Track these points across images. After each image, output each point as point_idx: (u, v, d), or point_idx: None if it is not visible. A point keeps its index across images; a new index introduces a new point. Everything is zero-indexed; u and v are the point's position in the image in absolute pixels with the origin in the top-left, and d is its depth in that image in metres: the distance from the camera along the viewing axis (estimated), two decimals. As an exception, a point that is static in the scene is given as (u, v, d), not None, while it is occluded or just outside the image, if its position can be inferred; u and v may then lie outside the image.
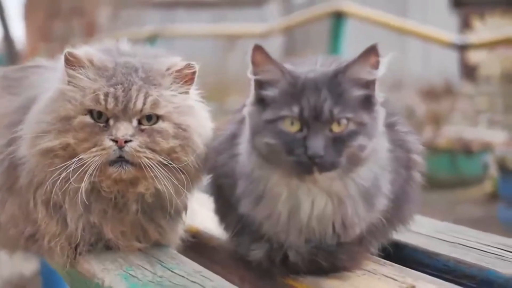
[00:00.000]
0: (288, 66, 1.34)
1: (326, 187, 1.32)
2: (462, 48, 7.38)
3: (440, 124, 7.00)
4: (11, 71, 1.87)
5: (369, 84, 1.31)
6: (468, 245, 1.58)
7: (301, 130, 1.27)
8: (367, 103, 1.31)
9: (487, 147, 6.36)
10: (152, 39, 7.78)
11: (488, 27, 11.50)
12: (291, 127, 1.27)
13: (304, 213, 1.35)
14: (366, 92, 1.31)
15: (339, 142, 1.26)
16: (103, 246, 1.56)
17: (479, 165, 6.19)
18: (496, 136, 6.71)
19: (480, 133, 6.96)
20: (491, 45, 6.39)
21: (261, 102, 1.33)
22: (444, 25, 9.26)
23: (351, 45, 5.93)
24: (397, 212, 1.47)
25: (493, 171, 5.85)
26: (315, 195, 1.33)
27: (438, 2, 13.43)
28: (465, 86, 10.63)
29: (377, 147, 1.33)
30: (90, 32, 14.09)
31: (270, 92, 1.32)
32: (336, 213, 1.35)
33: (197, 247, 1.71)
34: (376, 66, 1.30)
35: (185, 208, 1.64)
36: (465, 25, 12.53)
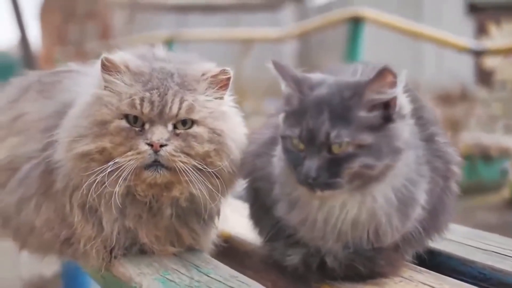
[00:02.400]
0: (306, 79, 1.35)
1: (341, 202, 1.32)
2: (478, 54, 7.37)
3: (457, 130, 6.97)
4: (45, 75, 1.89)
5: (388, 103, 1.28)
6: (502, 252, 1.57)
7: (303, 150, 1.29)
8: (384, 120, 1.28)
9: (505, 153, 6.33)
10: (167, 43, 7.81)
11: (504, 33, 11.46)
12: (297, 146, 1.30)
13: (337, 220, 1.34)
14: (382, 112, 1.28)
15: (336, 163, 1.25)
16: (137, 250, 1.57)
17: (498, 171, 6.16)
18: (515, 142, 6.67)
19: (498, 139, 6.92)
20: (507, 52, 6.35)
21: (283, 114, 1.37)
22: (459, 31, 9.24)
23: (367, 50, 5.96)
24: (433, 221, 1.47)
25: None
26: (347, 203, 1.33)
27: (454, 8, 13.41)
28: (480, 92, 10.58)
29: (397, 162, 1.29)
30: (105, 35, 14.16)
31: (287, 108, 1.35)
32: (369, 221, 1.35)
33: (229, 252, 1.71)
34: (393, 85, 1.26)
35: (218, 213, 1.65)
36: (481, 31, 12.49)
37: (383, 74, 1.25)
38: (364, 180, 1.28)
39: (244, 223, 1.75)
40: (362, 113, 1.27)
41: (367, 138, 1.26)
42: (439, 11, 13.05)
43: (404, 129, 1.31)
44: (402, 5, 12.38)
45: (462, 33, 8.90)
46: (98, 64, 1.59)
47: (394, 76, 1.25)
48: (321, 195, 1.28)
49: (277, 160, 1.40)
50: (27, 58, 11.99)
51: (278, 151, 1.40)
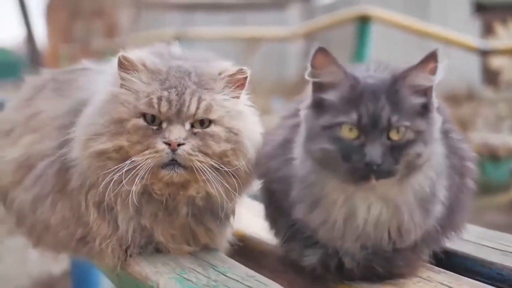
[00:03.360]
0: (349, 69, 1.33)
1: (382, 194, 1.32)
2: (485, 54, 7.34)
3: (464, 130, 6.94)
4: (60, 73, 1.88)
5: (426, 91, 1.30)
6: (520, 253, 1.56)
7: (358, 137, 1.26)
8: (424, 110, 1.30)
9: (514, 154, 6.29)
10: (173, 41, 7.80)
11: (511, 33, 11.42)
12: (349, 134, 1.26)
13: (360, 219, 1.34)
14: (424, 98, 1.30)
15: (396, 150, 1.25)
16: (153, 249, 1.57)
17: (506, 172, 6.13)
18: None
19: (506, 139, 6.89)
20: (515, 52, 6.34)
21: (317, 106, 1.32)
22: (465, 30, 9.22)
23: (374, 50, 5.96)
24: (450, 220, 1.47)
25: (520, 177, 5.79)
26: (371, 201, 1.33)
27: (460, 7, 13.38)
28: (486, 92, 10.55)
29: (432, 153, 1.32)
30: (110, 33, 14.18)
31: (330, 96, 1.30)
32: (392, 219, 1.34)
33: (244, 251, 1.71)
34: (434, 72, 1.29)
35: (233, 212, 1.64)
36: (487, 31, 12.45)
37: (431, 58, 1.27)
38: (409, 170, 1.28)
39: (258, 223, 1.75)
40: (412, 99, 1.28)
41: (421, 124, 1.27)
42: (446, 11, 13.02)
43: (438, 121, 1.32)
44: (408, 4, 12.36)
45: (469, 33, 8.88)
46: (113, 62, 1.59)
47: (437, 63, 1.27)
48: (375, 185, 1.26)
49: (301, 160, 1.38)
50: (33, 55, 12.04)
51: (299, 152, 1.38)
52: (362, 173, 1.25)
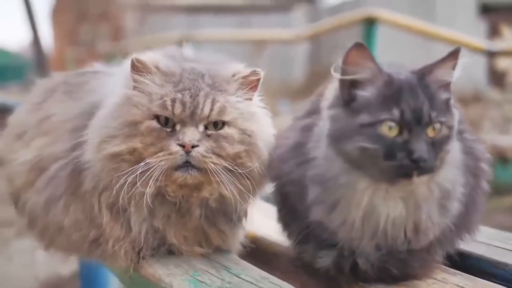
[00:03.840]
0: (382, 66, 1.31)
1: (410, 192, 1.31)
2: (492, 55, 7.32)
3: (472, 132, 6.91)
4: (71, 76, 1.89)
5: (448, 86, 1.31)
6: (533, 255, 1.55)
7: (400, 133, 1.25)
8: (448, 106, 1.31)
9: (522, 155, 6.26)
10: (179, 44, 7.81)
11: (517, 34, 11.40)
12: (390, 131, 1.25)
13: (381, 218, 1.33)
14: (447, 94, 1.31)
15: (435, 146, 1.26)
16: (165, 251, 1.57)
17: (514, 173, 6.10)
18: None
19: (515, 141, 6.86)
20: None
21: (348, 104, 1.30)
22: (471, 32, 9.21)
23: (380, 51, 5.95)
24: (464, 221, 1.46)
25: (529, 179, 5.76)
26: (392, 200, 1.32)
27: (466, 9, 13.36)
28: (493, 93, 10.53)
29: (452, 148, 1.33)
30: (117, 36, 14.21)
31: (366, 93, 1.29)
32: (409, 217, 1.34)
33: (256, 253, 1.70)
34: (454, 68, 1.30)
35: (246, 214, 1.64)
36: (493, 32, 12.44)
37: (454, 54, 1.29)
38: (441, 166, 1.29)
39: (269, 224, 1.75)
40: (440, 94, 1.29)
41: (451, 119, 1.28)
42: (452, 12, 13.01)
43: (457, 116, 1.33)
44: (414, 6, 12.35)
45: (475, 34, 8.87)
46: (124, 65, 1.59)
47: (458, 59, 1.29)
48: (415, 181, 1.26)
49: (327, 162, 1.34)
50: (39, 58, 12.07)
51: (321, 153, 1.36)
52: (406, 170, 1.24)
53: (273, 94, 8.76)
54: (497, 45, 7.11)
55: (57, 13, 18.05)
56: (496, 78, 11.72)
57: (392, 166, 1.24)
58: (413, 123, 1.24)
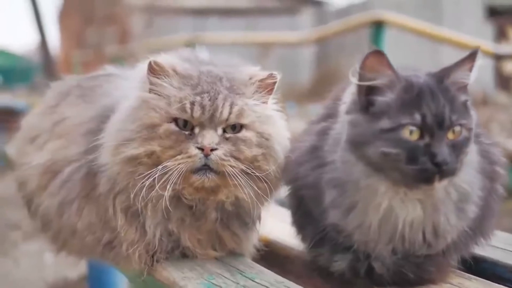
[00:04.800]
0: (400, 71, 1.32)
1: (429, 195, 1.31)
2: (499, 58, 7.31)
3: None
4: (84, 79, 1.89)
5: (465, 88, 1.31)
6: (548, 259, 1.54)
7: (421, 137, 1.25)
8: (467, 108, 1.31)
9: (530, 159, 6.24)
10: (190, 47, 7.81)
11: (524, 37, 11.38)
12: (411, 135, 1.25)
13: (399, 221, 1.33)
14: (465, 96, 1.31)
15: (456, 148, 1.26)
16: (179, 254, 1.57)
17: (522, 177, 6.08)
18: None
19: (523, 144, 6.84)
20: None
21: (367, 109, 1.30)
22: (479, 34, 9.20)
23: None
24: (480, 225, 1.45)
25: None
26: (411, 203, 1.32)
27: (473, 11, 13.34)
28: (500, 97, 10.50)
29: (470, 150, 1.33)
30: (123, 39, 14.23)
31: (385, 98, 1.29)
32: (427, 220, 1.34)
33: (269, 256, 1.70)
34: (471, 70, 1.31)
35: (260, 218, 1.64)
36: (500, 35, 12.41)
37: (472, 56, 1.30)
38: (460, 168, 1.28)
39: (282, 228, 1.74)
40: (459, 97, 1.29)
41: (471, 122, 1.29)
42: (459, 15, 12.99)
43: (475, 118, 1.32)
44: (421, 8, 12.34)
45: (482, 37, 8.86)
46: (139, 68, 1.59)
47: (475, 61, 1.30)
48: (437, 185, 1.26)
49: (347, 166, 1.34)
50: (46, 61, 12.11)
51: (340, 157, 1.36)
52: (429, 173, 1.24)
53: (280, 97, 8.74)
54: (503, 48, 7.09)
55: (64, 16, 18.10)
56: (503, 81, 11.69)
57: (414, 170, 1.24)
58: (435, 126, 1.25)
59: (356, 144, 1.30)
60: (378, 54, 1.27)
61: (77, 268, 3.69)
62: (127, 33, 14.68)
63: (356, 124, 1.31)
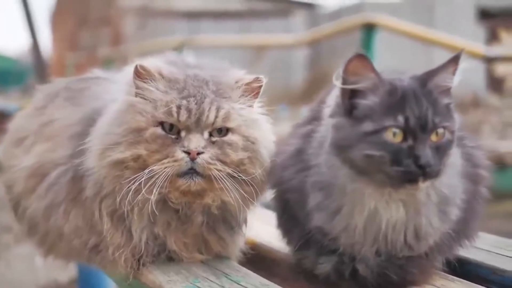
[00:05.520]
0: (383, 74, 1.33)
1: (412, 196, 1.32)
2: (491, 60, 7.34)
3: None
4: (73, 82, 1.89)
5: (448, 92, 1.32)
6: (532, 261, 1.55)
7: (405, 140, 1.26)
8: (450, 110, 1.32)
9: (520, 161, 6.27)
10: (179, 50, 7.83)
11: (516, 40, 11.43)
12: (394, 138, 1.26)
13: (383, 223, 1.34)
14: (448, 99, 1.32)
15: (439, 151, 1.27)
16: (165, 257, 1.57)
17: (513, 179, 6.11)
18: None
19: (513, 146, 6.87)
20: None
21: (351, 112, 1.31)
22: (471, 37, 9.23)
23: (379, 57, 5.96)
24: (464, 227, 1.47)
25: (528, 185, 5.77)
26: (394, 205, 1.33)
27: (465, 14, 13.38)
28: (492, 99, 10.55)
29: (453, 154, 1.34)
30: (116, 41, 14.21)
31: (368, 102, 1.30)
32: (410, 222, 1.35)
33: (256, 259, 1.71)
34: (454, 73, 1.32)
35: (245, 221, 1.64)
36: (492, 37, 12.46)
37: (455, 60, 1.30)
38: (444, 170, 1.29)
39: (269, 231, 1.75)
40: (442, 100, 1.30)
41: (454, 124, 1.30)
42: (451, 17, 13.03)
43: (458, 121, 1.34)
44: (414, 11, 12.38)
45: (474, 39, 8.88)
46: (126, 71, 1.59)
47: (458, 64, 1.31)
48: (421, 186, 1.28)
49: (332, 170, 1.35)
50: (38, 64, 12.07)
51: (324, 161, 1.37)
52: (413, 175, 1.25)
53: (273, 100, 8.76)
54: (495, 50, 7.13)
55: (56, 19, 18.06)
56: (495, 83, 11.74)
57: (399, 171, 1.25)
58: (418, 129, 1.26)
59: (340, 148, 1.31)
60: (361, 57, 1.28)
61: (67, 271, 3.69)
62: (121, 36, 14.66)
63: (340, 127, 1.32)
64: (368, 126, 1.27)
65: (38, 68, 11.79)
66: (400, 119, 1.26)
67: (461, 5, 13.55)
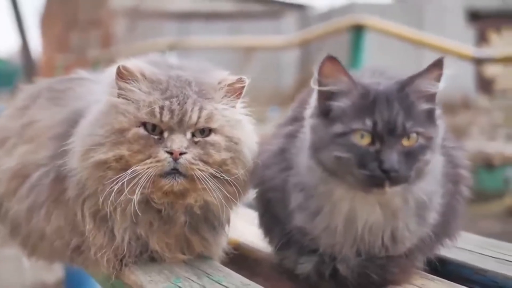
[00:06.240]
0: (357, 77, 1.33)
1: (386, 201, 1.32)
2: (480, 62, 7.36)
3: (459, 139, 6.97)
4: (56, 82, 1.89)
5: (431, 98, 1.31)
6: (513, 260, 1.56)
7: (372, 143, 1.26)
8: (431, 117, 1.31)
9: (508, 162, 6.32)
10: (169, 51, 7.81)
11: (505, 41, 11.49)
12: (362, 140, 1.26)
13: (359, 225, 1.34)
14: (429, 105, 1.31)
15: (410, 156, 1.26)
16: (148, 258, 1.57)
17: (500, 180, 6.15)
18: (518, 151, 6.66)
19: (501, 147, 6.92)
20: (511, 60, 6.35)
21: (325, 114, 1.31)
22: (460, 38, 9.26)
23: (370, 58, 5.98)
24: (444, 227, 1.47)
25: (515, 185, 5.81)
26: (371, 208, 1.33)
27: (455, 15, 13.44)
28: (481, 100, 10.60)
29: (435, 161, 1.33)
30: (106, 43, 14.17)
31: (340, 104, 1.30)
32: (387, 225, 1.35)
33: (238, 259, 1.71)
34: (439, 79, 1.30)
35: (228, 221, 1.64)
36: (482, 39, 12.52)
37: (437, 65, 1.29)
38: (417, 177, 1.28)
39: (252, 231, 1.75)
40: (420, 105, 1.29)
41: (431, 130, 1.29)
42: (441, 19, 13.08)
43: (442, 128, 1.33)
44: (404, 13, 12.42)
45: (463, 41, 8.91)
46: (109, 72, 1.59)
47: (442, 70, 1.29)
48: (388, 191, 1.26)
49: (307, 171, 1.36)
50: (28, 65, 12.04)
51: (302, 162, 1.37)
52: (378, 179, 1.24)
53: (264, 101, 8.78)
54: (484, 52, 7.16)
55: (46, 20, 18.00)
56: (485, 85, 11.80)
57: (365, 175, 1.25)
58: (386, 133, 1.25)
59: (315, 149, 1.32)
60: (332, 60, 1.29)
61: (54, 272, 3.68)
62: (111, 37, 14.62)
63: (316, 129, 1.33)
64: (338, 128, 1.28)
65: (28, 70, 11.75)
66: (368, 122, 1.26)
67: (451, 6, 13.60)
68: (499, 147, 6.86)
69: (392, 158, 1.23)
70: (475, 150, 6.17)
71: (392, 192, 1.28)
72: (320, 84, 1.32)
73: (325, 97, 1.32)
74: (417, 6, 13.50)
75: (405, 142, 1.26)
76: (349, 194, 1.32)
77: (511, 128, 8.59)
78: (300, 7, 16.45)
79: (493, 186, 6.17)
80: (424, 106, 1.30)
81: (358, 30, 5.70)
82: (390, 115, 1.26)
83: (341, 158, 1.26)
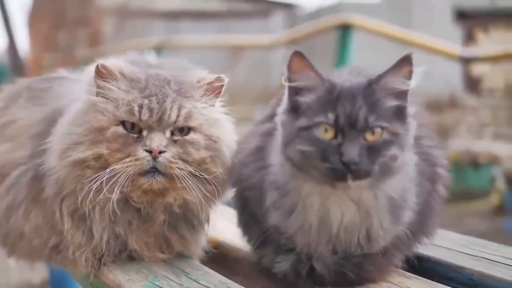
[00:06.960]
0: (325, 74, 1.34)
1: (356, 197, 1.33)
2: (467, 61, 7.39)
3: (446, 137, 7.01)
4: (36, 81, 1.88)
5: (401, 95, 1.32)
6: (491, 258, 1.57)
7: (335, 137, 1.27)
8: (400, 114, 1.32)
9: (494, 160, 6.36)
10: (157, 50, 7.80)
11: (492, 40, 11.55)
12: (325, 134, 1.27)
13: (334, 223, 1.35)
14: (399, 102, 1.31)
15: (373, 150, 1.27)
16: (126, 257, 1.57)
17: (486, 178, 6.19)
18: (503, 149, 6.71)
19: (487, 146, 6.96)
20: (497, 59, 6.39)
21: (294, 110, 1.33)
22: (447, 37, 9.29)
23: (358, 57, 5.99)
24: (421, 225, 1.48)
25: (500, 184, 5.85)
26: (345, 205, 1.34)
27: (442, 15, 13.49)
28: (468, 99, 10.65)
29: (407, 159, 1.34)
30: (94, 42, 14.12)
31: (306, 99, 1.31)
32: (362, 224, 1.36)
33: (218, 258, 1.71)
34: (409, 76, 1.30)
35: (208, 219, 1.64)
36: (469, 38, 12.58)
37: (405, 62, 1.29)
38: (384, 173, 1.29)
39: (231, 229, 1.75)
40: (388, 102, 1.30)
41: (398, 127, 1.29)
42: (428, 18, 13.12)
43: (413, 127, 1.34)
44: (391, 12, 12.45)
45: (451, 40, 8.95)
46: (89, 71, 1.59)
47: (412, 67, 1.29)
48: (351, 185, 1.27)
49: (279, 167, 1.37)
50: (15, 64, 11.95)
51: (276, 159, 1.38)
52: (340, 172, 1.25)
53: (252, 100, 8.78)
54: (471, 51, 7.19)
55: (33, 19, 17.91)
56: (472, 83, 11.84)
57: (327, 168, 1.26)
58: (347, 127, 1.27)
59: (284, 145, 1.33)
60: (299, 56, 1.30)
61: (40, 273, 3.67)
62: (99, 36, 14.57)
63: (285, 124, 1.34)
64: (302, 122, 1.29)
65: (15, 69, 11.68)
66: (331, 116, 1.27)
67: (438, 6, 13.65)
68: (485, 146, 6.91)
69: (353, 151, 1.24)
70: (461, 149, 6.21)
71: (357, 187, 1.28)
72: (289, 80, 1.33)
73: (294, 92, 1.33)
74: (405, 5, 13.54)
75: (369, 137, 1.27)
76: (317, 189, 1.33)
77: (498, 127, 8.65)
78: (288, 6, 16.45)
79: (480, 185, 6.21)
80: (393, 102, 1.31)
81: (345, 29, 5.71)
82: (353, 109, 1.27)
83: (304, 152, 1.28)
